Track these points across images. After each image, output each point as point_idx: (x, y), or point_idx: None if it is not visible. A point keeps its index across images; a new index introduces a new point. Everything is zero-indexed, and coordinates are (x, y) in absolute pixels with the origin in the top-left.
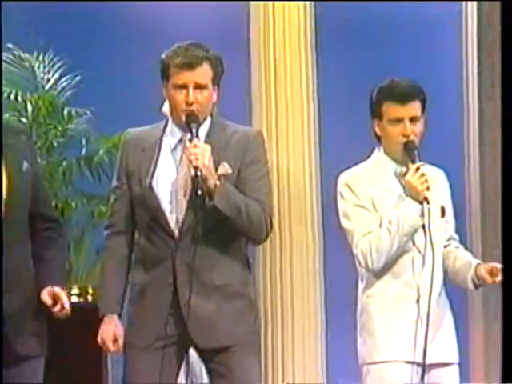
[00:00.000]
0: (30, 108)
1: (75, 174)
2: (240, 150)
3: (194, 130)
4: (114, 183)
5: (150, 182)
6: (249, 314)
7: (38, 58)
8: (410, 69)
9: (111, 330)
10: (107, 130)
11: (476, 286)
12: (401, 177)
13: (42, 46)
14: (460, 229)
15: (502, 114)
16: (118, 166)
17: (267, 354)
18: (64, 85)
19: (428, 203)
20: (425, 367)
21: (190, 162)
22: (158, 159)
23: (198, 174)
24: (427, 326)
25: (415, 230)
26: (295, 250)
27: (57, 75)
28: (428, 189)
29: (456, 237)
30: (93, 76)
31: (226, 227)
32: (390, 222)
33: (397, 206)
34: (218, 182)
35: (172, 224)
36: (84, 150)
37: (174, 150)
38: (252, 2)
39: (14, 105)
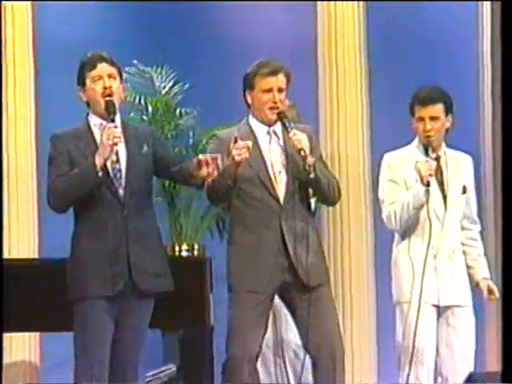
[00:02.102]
0: (150, 109)
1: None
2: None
3: (287, 124)
4: None
5: (265, 163)
6: (325, 262)
7: (156, 70)
8: (438, 75)
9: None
10: (208, 124)
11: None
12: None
13: (160, 61)
14: (478, 205)
15: (502, 110)
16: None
17: None
18: (176, 91)
19: (429, 186)
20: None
21: (295, 145)
22: (260, 147)
23: (302, 153)
24: (423, 273)
25: (420, 206)
26: (352, 221)
27: (170, 83)
28: (431, 175)
29: (477, 221)
30: (197, 83)
31: (308, 194)
32: (404, 198)
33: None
34: (313, 159)
35: (278, 192)
36: (191, 141)
37: (262, 140)
38: (319, 2)
39: (138, 107)
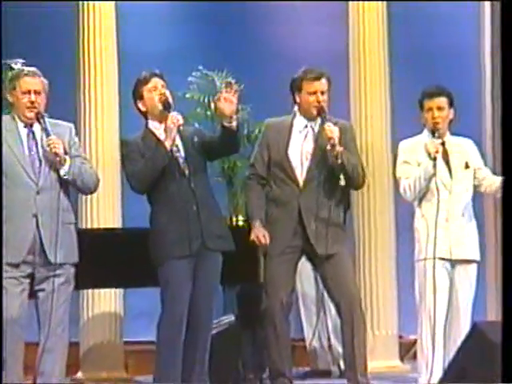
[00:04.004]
0: (212, 106)
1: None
2: (343, 134)
3: (324, 118)
4: (257, 149)
5: (286, 151)
6: (343, 235)
7: (217, 74)
8: (448, 74)
9: (261, 231)
10: (259, 118)
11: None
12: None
13: (220, 66)
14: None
15: (502, 107)
16: (260, 140)
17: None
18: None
19: (435, 160)
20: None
21: (327, 134)
22: (290, 137)
23: (331, 141)
24: (436, 228)
25: (429, 177)
26: (378, 200)
27: None
28: (437, 152)
29: (490, 173)
30: (250, 84)
31: (332, 180)
32: (416, 172)
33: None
34: (341, 148)
35: (298, 177)
36: (246, 131)
37: (300, 132)
38: (350, 2)
39: (202, 104)
